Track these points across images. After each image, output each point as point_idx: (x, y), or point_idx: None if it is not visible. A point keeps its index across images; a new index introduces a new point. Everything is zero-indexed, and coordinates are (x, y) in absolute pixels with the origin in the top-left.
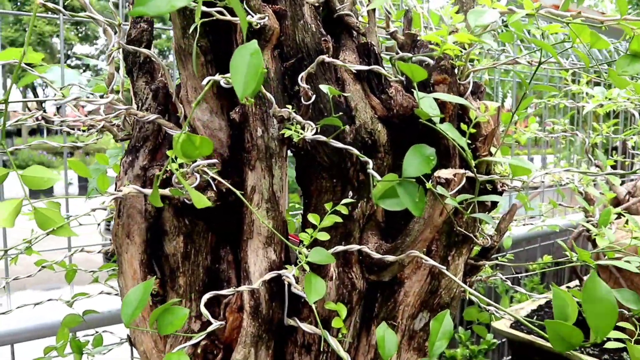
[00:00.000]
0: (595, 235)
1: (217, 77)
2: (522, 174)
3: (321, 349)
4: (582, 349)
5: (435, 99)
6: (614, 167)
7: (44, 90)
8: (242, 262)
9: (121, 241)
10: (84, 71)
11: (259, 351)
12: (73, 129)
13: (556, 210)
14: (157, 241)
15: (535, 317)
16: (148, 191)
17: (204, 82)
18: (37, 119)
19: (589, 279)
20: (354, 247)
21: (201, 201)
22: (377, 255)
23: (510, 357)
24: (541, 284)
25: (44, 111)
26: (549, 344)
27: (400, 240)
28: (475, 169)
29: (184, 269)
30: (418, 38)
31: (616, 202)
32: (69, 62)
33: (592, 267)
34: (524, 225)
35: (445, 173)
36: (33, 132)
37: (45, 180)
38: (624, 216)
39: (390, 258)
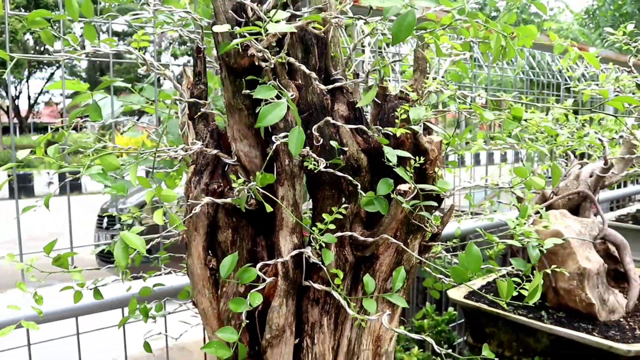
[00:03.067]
0: (515, 225)
1: (274, 139)
2: (444, 188)
3: (326, 301)
4: (514, 310)
5: (396, 139)
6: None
7: (16, 87)
8: (275, 244)
9: (190, 233)
10: (58, 67)
11: (288, 301)
12: (46, 128)
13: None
14: (213, 233)
15: (483, 290)
16: (223, 201)
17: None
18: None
19: (468, 244)
20: (347, 233)
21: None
22: (361, 238)
23: (463, 319)
24: None
25: (18, 111)
26: (491, 308)
27: (376, 229)
28: (421, 184)
29: (231, 251)
30: (387, 92)
31: (543, 199)
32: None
33: (495, 242)
34: (471, 218)
35: (403, 187)
36: (5, 130)
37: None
38: (540, 211)
39: (370, 240)
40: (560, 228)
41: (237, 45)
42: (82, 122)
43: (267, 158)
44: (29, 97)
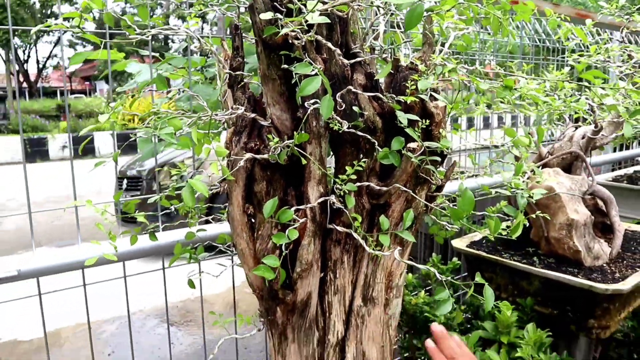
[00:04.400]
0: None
1: (306, 104)
2: (446, 145)
3: (346, 242)
4: (510, 257)
5: (407, 104)
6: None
7: (23, 52)
8: (304, 193)
9: (231, 185)
10: (64, 33)
11: (315, 240)
12: (55, 93)
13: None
14: (250, 185)
15: (483, 241)
16: (261, 157)
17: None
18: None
19: (463, 190)
20: (364, 183)
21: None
22: (376, 188)
23: (466, 273)
24: None
25: (27, 76)
26: (490, 255)
27: (389, 180)
28: (428, 142)
29: (266, 200)
30: (399, 64)
31: (540, 159)
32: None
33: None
34: (474, 177)
35: (412, 145)
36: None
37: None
38: (535, 169)
39: (384, 189)
40: (553, 184)
41: (278, 28)
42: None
43: (303, 121)
44: (38, 62)
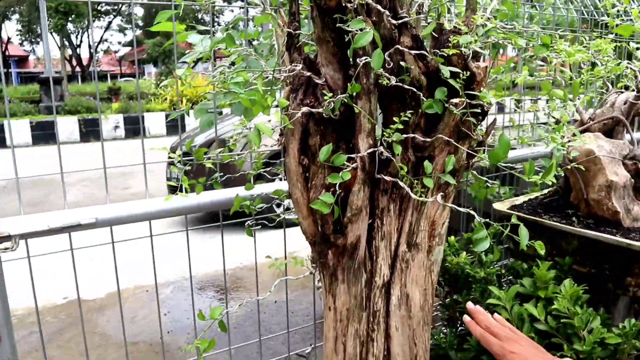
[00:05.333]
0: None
1: (358, 60)
2: (487, 100)
3: (393, 191)
4: (550, 218)
5: (450, 63)
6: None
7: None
8: (355, 145)
9: (288, 138)
10: (115, 17)
11: (364, 187)
12: (105, 76)
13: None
14: (305, 138)
15: (524, 205)
16: (316, 110)
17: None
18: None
19: (500, 135)
20: (410, 135)
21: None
22: (421, 140)
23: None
24: None
25: (80, 60)
26: (531, 217)
27: (433, 134)
28: (470, 98)
29: (319, 152)
30: (442, 27)
31: (581, 124)
32: (98, 7)
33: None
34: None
35: (455, 100)
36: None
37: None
38: (575, 133)
39: (428, 141)
40: (593, 147)
41: None
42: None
43: (354, 77)
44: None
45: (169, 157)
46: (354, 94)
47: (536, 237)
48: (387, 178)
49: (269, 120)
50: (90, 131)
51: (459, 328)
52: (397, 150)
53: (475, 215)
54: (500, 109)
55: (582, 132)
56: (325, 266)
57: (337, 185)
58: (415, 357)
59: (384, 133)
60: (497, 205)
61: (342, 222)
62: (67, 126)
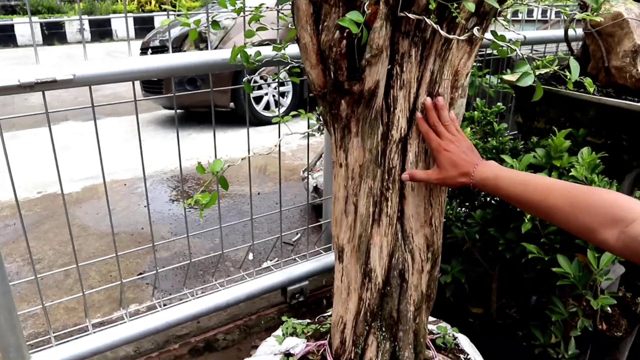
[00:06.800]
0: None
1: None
2: None
3: (415, 34)
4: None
5: None
6: None
7: None
8: None
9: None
10: None
11: (386, 24)
12: None
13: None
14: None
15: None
16: None
17: None
18: None
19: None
20: None
21: None
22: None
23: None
24: None
25: None
26: (546, 87)
27: None
28: None
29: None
30: None
31: None
32: None
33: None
34: None
35: None
36: None
37: None
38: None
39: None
40: (621, 9)
41: None
42: None
43: None
44: None
45: (142, 51)
46: None
47: (549, 110)
48: (412, 16)
49: None
50: (53, 33)
51: (466, 203)
52: None
53: (517, 50)
54: None
55: None
56: (336, 118)
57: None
58: (431, 219)
59: None
60: (507, 77)
61: (358, 67)
62: (26, 29)
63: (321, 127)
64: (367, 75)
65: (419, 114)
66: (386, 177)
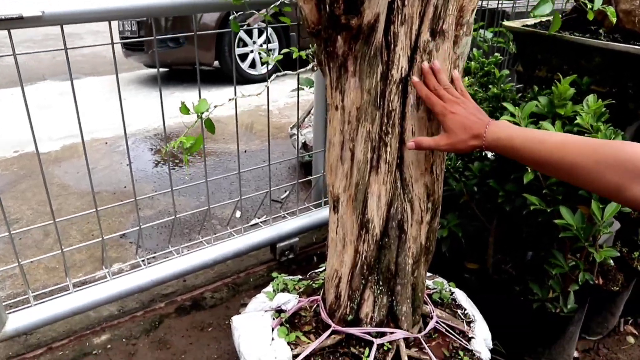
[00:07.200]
0: None
1: None
2: None
3: None
4: (571, 33)
5: None
6: None
7: None
8: None
9: None
10: None
11: None
12: None
13: None
14: None
15: (537, 26)
16: None
17: None
18: None
19: None
20: None
21: None
22: None
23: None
24: None
25: None
26: (540, 30)
27: None
28: None
29: None
30: None
31: None
32: None
33: None
34: None
35: None
36: None
37: None
38: None
39: None
40: None
41: None
42: None
43: None
44: None
45: None
46: None
47: (552, 57)
48: None
49: None
50: None
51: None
52: None
53: None
54: None
55: None
56: (332, 57)
57: None
58: (432, 166)
59: None
60: (508, 24)
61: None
62: None
63: (315, 67)
64: (367, 8)
65: (415, 78)
66: (385, 120)
